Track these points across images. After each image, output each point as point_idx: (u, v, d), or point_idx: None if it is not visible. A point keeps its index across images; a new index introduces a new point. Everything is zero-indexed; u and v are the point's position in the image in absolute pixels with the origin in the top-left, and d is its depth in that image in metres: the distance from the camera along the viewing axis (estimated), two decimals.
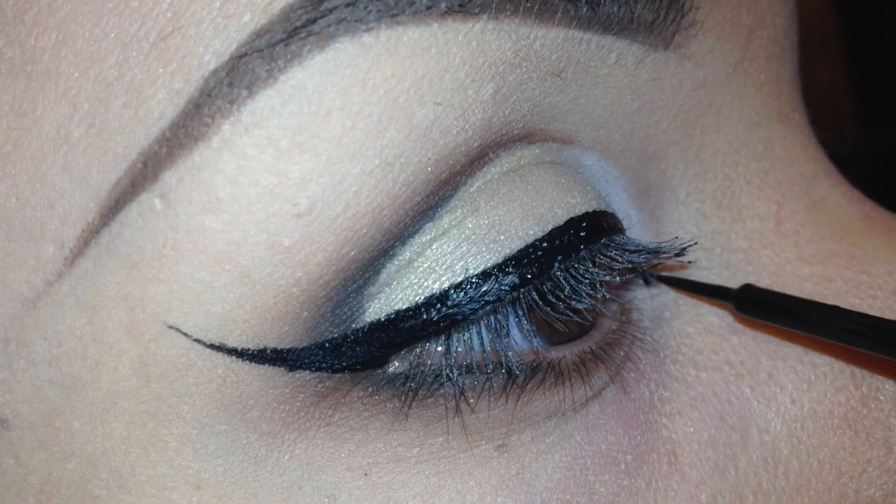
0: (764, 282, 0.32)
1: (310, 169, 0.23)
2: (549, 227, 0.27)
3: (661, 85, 0.29)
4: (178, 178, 0.23)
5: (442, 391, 0.27)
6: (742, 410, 0.30)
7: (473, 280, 0.26)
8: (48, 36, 0.23)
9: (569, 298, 0.27)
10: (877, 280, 0.31)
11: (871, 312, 0.31)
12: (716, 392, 0.30)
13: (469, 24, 0.24)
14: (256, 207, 0.23)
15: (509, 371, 0.27)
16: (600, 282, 0.28)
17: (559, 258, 0.26)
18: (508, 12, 0.24)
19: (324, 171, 0.23)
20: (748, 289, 0.30)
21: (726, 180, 0.32)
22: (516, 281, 0.26)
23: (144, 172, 0.23)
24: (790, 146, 0.33)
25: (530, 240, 0.26)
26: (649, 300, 0.32)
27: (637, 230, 0.31)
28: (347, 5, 0.23)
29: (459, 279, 0.26)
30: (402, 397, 0.27)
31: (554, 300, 0.27)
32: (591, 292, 0.27)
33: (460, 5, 0.24)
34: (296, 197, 0.23)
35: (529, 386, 0.27)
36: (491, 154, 0.27)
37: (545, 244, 0.26)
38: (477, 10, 0.24)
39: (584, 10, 0.26)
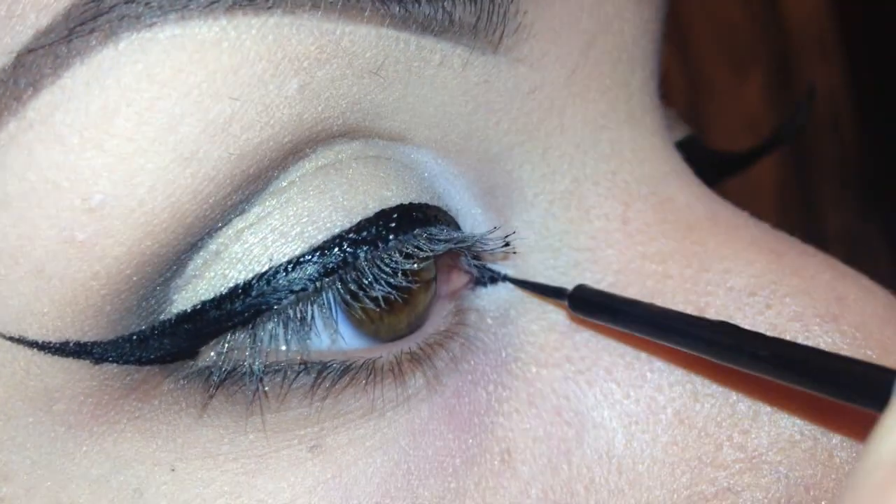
0: (608, 279, 0.32)
1: (100, 164, 0.24)
2: (358, 219, 0.27)
3: (494, 87, 0.29)
4: None
5: (253, 386, 0.27)
6: (578, 406, 0.30)
7: (278, 270, 0.26)
8: None
9: (370, 287, 0.27)
10: (714, 277, 0.31)
11: (709, 310, 0.31)
12: (554, 388, 0.31)
13: (262, 19, 0.24)
14: (46, 203, 0.24)
15: (317, 368, 0.27)
16: (403, 270, 0.28)
17: (365, 249, 0.27)
18: (307, 7, 0.25)
19: (115, 166, 0.24)
20: (580, 289, 0.31)
21: (574, 182, 0.32)
22: (320, 271, 0.26)
23: None
24: (639, 148, 0.33)
25: (336, 231, 0.27)
26: (496, 299, 0.32)
27: (483, 228, 0.32)
28: (128, 2, 0.23)
29: (264, 269, 0.26)
30: (211, 391, 0.27)
31: (356, 289, 0.27)
32: (393, 280, 0.28)
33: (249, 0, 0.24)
34: (87, 192, 0.24)
35: (339, 385, 0.28)
36: (307, 149, 0.27)
37: (351, 235, 0.27)
38: (269, 4, 0.24)
39: (397, 9, 0.26)
